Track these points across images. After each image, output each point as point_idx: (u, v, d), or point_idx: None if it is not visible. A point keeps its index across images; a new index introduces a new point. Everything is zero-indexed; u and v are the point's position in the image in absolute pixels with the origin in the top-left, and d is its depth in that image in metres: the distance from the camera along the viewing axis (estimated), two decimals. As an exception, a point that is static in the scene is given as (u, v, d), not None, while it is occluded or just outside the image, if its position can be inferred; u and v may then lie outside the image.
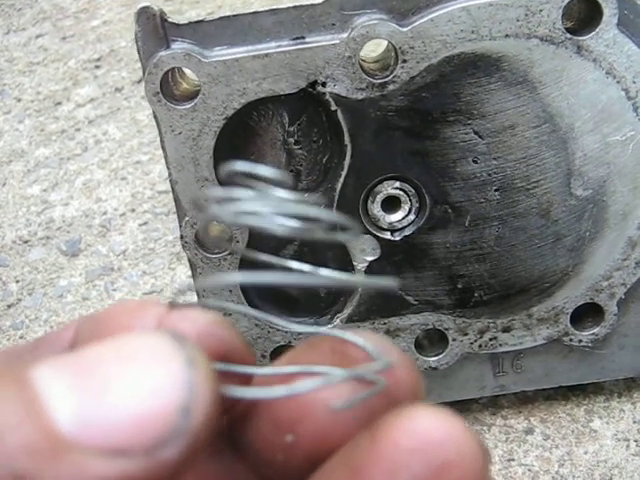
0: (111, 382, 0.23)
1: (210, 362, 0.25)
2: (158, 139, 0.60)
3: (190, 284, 0.55)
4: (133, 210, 0.96)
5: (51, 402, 0.23)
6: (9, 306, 0.88)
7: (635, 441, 0.70)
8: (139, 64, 0.59)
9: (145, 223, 0.94)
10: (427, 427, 0.25)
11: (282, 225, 0.26)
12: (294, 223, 0.26)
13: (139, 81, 1.11)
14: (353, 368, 0.27)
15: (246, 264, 0.63)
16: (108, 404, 0.23)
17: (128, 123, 1.07)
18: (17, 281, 0.90)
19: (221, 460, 0.30)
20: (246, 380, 0.28)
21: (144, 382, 0.23)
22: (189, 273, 0.83)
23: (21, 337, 0.85)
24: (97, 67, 1.16)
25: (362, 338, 0.28)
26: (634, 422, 0.71)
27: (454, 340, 0.67)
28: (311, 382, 0.26)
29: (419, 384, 0.28)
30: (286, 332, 0.65)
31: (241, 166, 0.27)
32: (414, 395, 0.28)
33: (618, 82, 0.59)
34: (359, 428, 0.27)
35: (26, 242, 0.94)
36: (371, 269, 0.63)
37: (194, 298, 0.62)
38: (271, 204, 0.26)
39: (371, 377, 0.27)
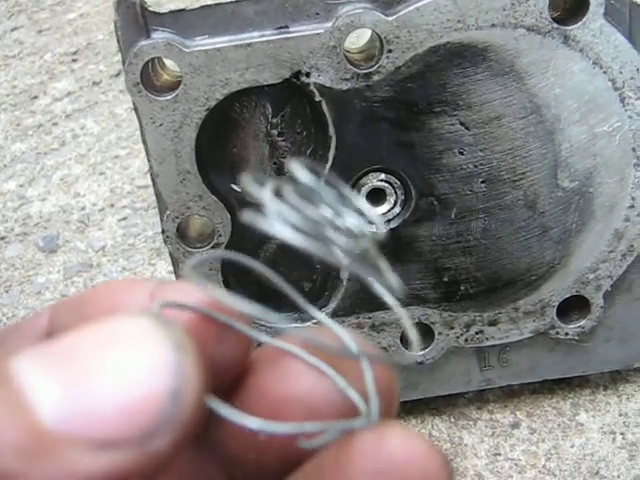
0: (95, 371, 0.22)
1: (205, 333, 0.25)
2: (137, 133, 0.59)
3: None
4: (112, 205, 0.94)
5: (34, 396, 0.22)
6: (-15, 304, 0.86)
7: (621, 434, 0.69)
8: (117, 57, 0.57)
9: (124, 218, 0.93)
10: (390, 449, 0.24)
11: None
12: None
13: (117, 74, 1.09)
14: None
15: (228, 259, 0.62)
16: (93, 394, 0.22)
17: (106, 117, 1.05)
18: (-7, 278, 0.88)
19: (190, 459, 0.29)
20: (243, 341, 0.28)
21: (130, 369, 0.22)
22: (170, 269, 0.81)
23: (-2, 335, 0.83)
24: (74, 60, 1.14)
25: (346, 333, 0.28)
26: (620, 415, 0.71)
27: (440, 334, 0.66)
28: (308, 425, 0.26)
29: (395, 385, 0.28)
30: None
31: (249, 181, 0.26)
32: (390, 396, 0.28)
33: (605, 72, 0.58)
34: None
35: (2, 238, 0.92)
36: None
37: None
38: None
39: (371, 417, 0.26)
